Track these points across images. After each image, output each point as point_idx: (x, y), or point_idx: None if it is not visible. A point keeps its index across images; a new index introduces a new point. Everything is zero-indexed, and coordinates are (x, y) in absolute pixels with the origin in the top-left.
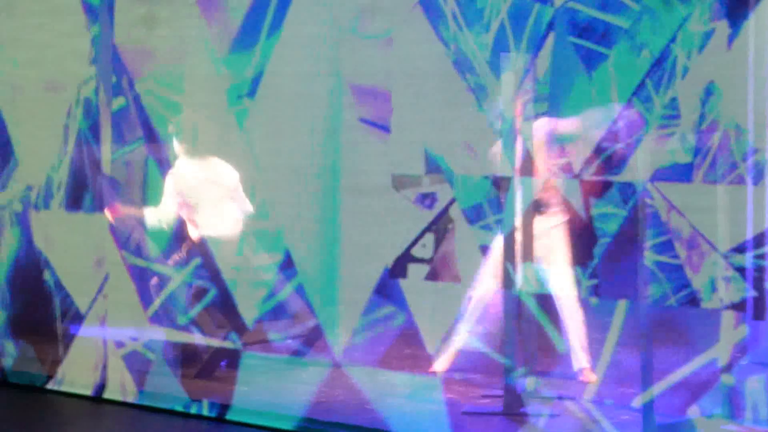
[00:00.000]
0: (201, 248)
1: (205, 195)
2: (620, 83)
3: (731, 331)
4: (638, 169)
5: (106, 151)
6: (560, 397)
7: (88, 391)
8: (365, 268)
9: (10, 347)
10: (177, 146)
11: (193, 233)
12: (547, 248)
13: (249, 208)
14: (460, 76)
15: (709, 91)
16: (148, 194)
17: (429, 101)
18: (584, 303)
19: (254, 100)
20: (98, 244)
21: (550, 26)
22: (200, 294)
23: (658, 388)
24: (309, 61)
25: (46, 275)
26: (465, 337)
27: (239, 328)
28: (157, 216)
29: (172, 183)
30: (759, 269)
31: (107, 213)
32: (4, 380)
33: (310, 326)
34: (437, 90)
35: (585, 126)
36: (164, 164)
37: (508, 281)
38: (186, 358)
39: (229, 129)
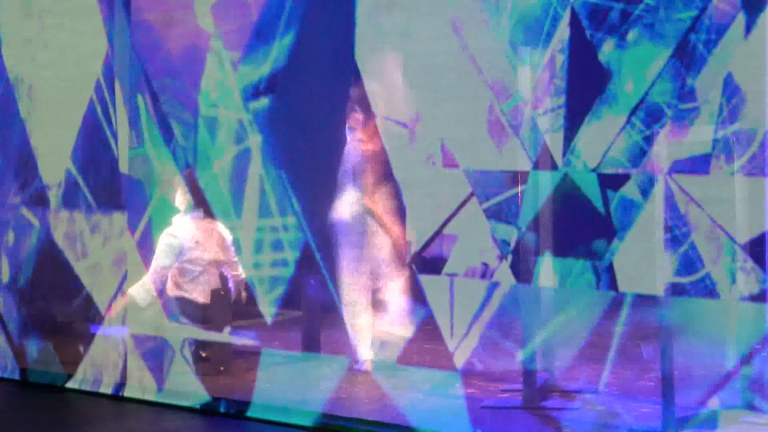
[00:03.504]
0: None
1: (200, 258)
2: (637, 74)
3: (750, 322)
4: (656, 161)
5: (123, 150)
6: (580, 390)
7: (109, 390)
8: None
9: (30, 347)
10: (179, 200)
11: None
12: None
13: (240, 271)
14: (477, 70)
15: (726, 82)
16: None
17: (446, 96)
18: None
19: (271, 96)
20: (117, 242)
21: (567, 18)
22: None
23: (677, 381)
24: (326, 58)
25: (66, 274)
26: None
27: (258, 324)
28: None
29: (168, 243)
30: None
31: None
32: (25, 380)
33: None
34: (454, 85)
35: None
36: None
37: (527, 275)
38: (206, 356)
39: (246, 127)
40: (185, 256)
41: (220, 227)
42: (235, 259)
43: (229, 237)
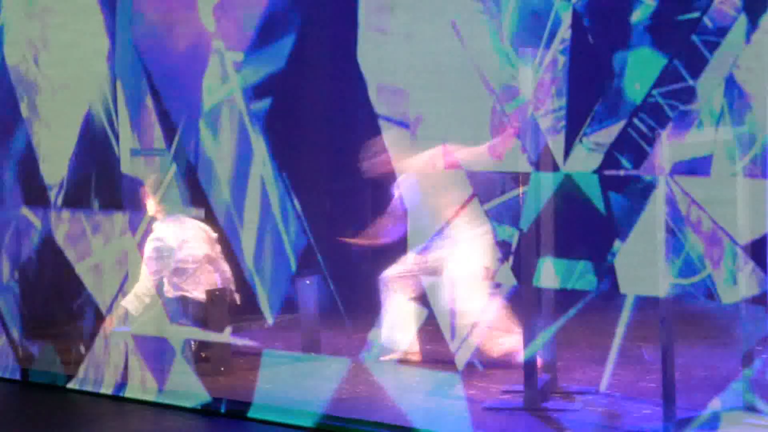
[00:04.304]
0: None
1: (192, 256)
2: (639, 76)
3: (751, 324)
4: (658, 162)
5: (125, 150)
6: (581, 392)
7: (110, 390)
8: (387, 264)
9: (31, 347)
10: (152, 209)
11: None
12: None
13: (226, 268)
14: (480, 71)
15: (728, 84)
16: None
17: (448, 97)
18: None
19: (273, 97)
20: (118, 243)
21: (569, 20)
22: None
23: (678, 382)
24: (328, 58)
25: (67, 275)
26: None
27: (260, 322)
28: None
29: (155, 248)
30: None
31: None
32: (26, 380)
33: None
34: (457, 86)
35: None
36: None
37: (527, 276)
38: (206, 356)
39: (248, 128)
40: (176, 256)
41: (202, 225)
42: (221, 255)
43: (213, 234)
